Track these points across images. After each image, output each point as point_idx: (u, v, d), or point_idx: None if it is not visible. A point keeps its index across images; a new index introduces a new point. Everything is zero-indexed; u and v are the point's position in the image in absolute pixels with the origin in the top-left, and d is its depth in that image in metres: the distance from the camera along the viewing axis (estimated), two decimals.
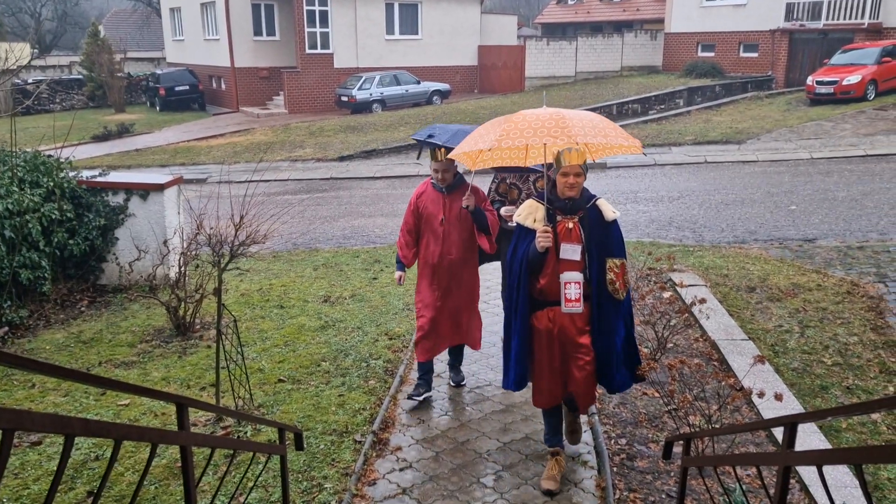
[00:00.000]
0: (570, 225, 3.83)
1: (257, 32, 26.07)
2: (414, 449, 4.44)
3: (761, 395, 3.85)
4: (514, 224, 4.24)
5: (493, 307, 6.75)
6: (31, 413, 1.10)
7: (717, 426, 4.08)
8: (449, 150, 4.59)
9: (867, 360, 5.74)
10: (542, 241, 3.70)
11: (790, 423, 1.98)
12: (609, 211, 3.90)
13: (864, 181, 11.83)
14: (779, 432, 4.42)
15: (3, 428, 1.07)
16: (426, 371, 5.00)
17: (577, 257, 3.79)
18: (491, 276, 7.14)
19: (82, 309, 7.07)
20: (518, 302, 3.93)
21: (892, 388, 5.37)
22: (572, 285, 3.76)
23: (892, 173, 12.34)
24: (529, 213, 3.92)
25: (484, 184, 5.68)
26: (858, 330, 6.24)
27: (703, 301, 5.16)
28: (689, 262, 7.89)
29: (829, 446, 4.42)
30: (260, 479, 3.84)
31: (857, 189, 11.27)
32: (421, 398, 4.94)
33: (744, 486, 4.02)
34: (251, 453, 3.58)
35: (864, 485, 1.44)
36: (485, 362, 5.75)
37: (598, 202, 3.92)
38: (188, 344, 6.01)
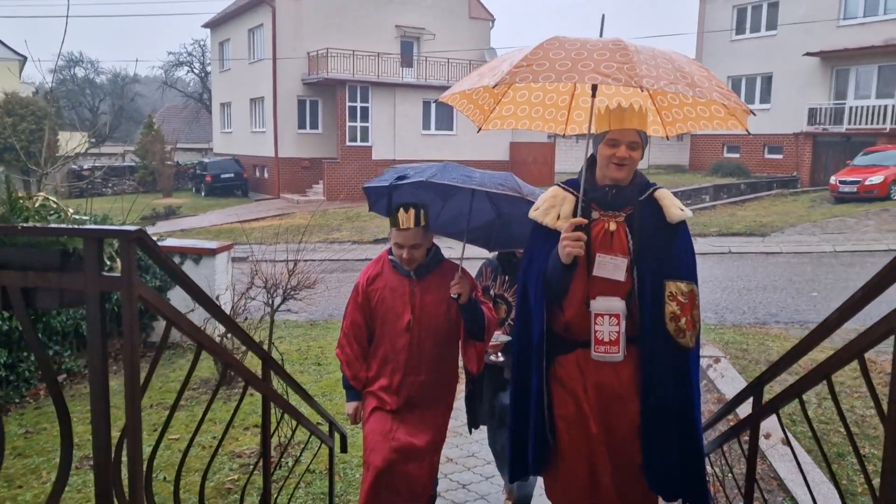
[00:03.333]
0: (613, 226, 2.59)
1: (301, 126, 27.63)
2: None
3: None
4: (498, 358, 3.38)
5: None
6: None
7: None
8: (422, 211, 3.09)
9: (871, 407, 5.96)
10: (570, 245, 2.41)
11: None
12: (674, 207, 2.61)
13: None
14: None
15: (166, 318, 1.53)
16: None
17: (621, 277, 2.54)
18: None
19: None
20: (534, 343, 2.68)
21: None
22: (606, 319, 2.51)
23: None
24: (552, 206, 2.68)
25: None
26: (855, 383, 6.45)
27: (717, 361, 5.46)
28: (710, 337, 8.18)
29: None
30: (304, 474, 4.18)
31: None
32: None
33: None
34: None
35: None
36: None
37: (658, 193, 2.65)
38: (232, 393, 6.43)
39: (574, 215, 2.55)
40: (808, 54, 24.40)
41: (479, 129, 3.14)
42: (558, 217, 2.64)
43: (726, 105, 2.58)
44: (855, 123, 23.74)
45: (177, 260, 8.07)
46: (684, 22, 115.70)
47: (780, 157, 26.67)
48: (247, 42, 29.47)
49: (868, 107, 23.45)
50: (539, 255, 2.67)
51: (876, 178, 19.29)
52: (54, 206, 1.55)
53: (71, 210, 1.57)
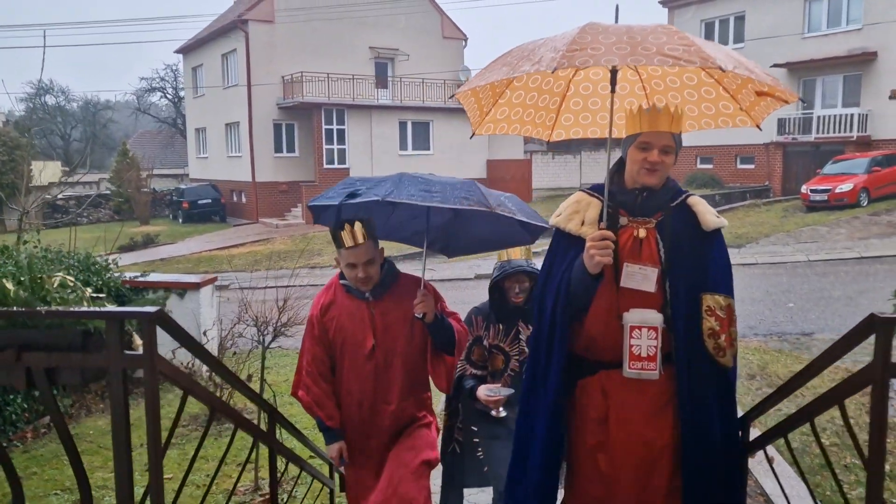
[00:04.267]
0: (643, 233, 2.40)
1: (278, 149, 27.65)
2: None
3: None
4: (500, 413, 3.08)
5: None
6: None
7: None
8: (368, 222, 2.86)
9: (863, 441, 6.10)
10: (598, 253, 2.20)
11: None
12: (710, 214, 2.45)
13: (859, 281, 12.36)
14: None
15: (183, 388, 1.60)
16: None
17: (651, 288, 2.35)
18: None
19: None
20: (550, 361, 2.42)
21: (888, 467, 5.69)
22: (644, 332, 2.30)
23: (886, 273, 12.88)
24: (575, 212, 2.48)
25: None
26: (854, 413, 6.59)
27: None
28: None
29: None
30: None
31: (852, 288, 11.78)
32: None
33: None
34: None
35: None
36: None
37: (692, 199, 2.48)
38: (223, 428, 6.43)
39: (600, 221, 2.34)
40: (775, 66, 24.93)
41: (473, 135, 2.97)
42: (582, 223, 2.43)
43: (765, 91, 2.43)
44: (823, 132, 24.28)
45: (161, 295, 8.07)
46: None
47: (752, 167, 27.16)
48: (220, 67, 29.49)
49: (835, 116, 24.01)
50: (560, 265, 2.43)
51: (845, 187, 19.73)
52: (71, 284, 1.61)
53: (89, 290, 1.63)
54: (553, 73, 2.19)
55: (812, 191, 20.37)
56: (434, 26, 29.97)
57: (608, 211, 2.35)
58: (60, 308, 1.50)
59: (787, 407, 5.93)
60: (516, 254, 3.30)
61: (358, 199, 2.76)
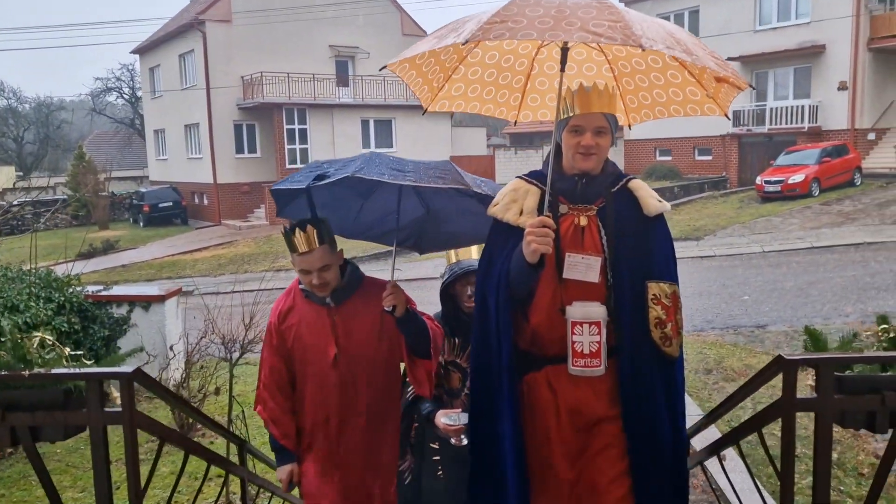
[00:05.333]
0: (584, 220, 2.31)
1: (239, 150, 27.44)
2: None
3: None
4: (462, 442, 2.73)
5: None
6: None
7: None
8: (321, 226, 2.65)
9: (812, 432, 6.40)
10: (536, 241, 2.08)
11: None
12: (651, 198, 2.35)
13: (810, 271, 12.81)
14: None
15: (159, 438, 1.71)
16: None
17: (595, 278, 2.24)
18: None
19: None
20: (501, 356, 2.30)
21: (835, 456, 5.99)
22: (586, 328, 2.20)
23: (835, 263, 13.37)
24: (513, 201, 2.36)
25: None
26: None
27: None
28: None
29: None
30: None
31: (803, 279, 12.21)
32: None
33: None
34: None
35: None
36: None
37: (633, 183, 2.39)
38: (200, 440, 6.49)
39: (540, 210, 2.24)
40: (729, 59, 25.48)
41: (425, 111, 2.74)
42: (521, 212, 2.31)
43: (720, 76, 2.30)
44: (776, 124, 24.93)
45: (125, 309, 8.04)
46: None
47: (709, 158, 27.76)
48: (178, 68, 29.11)
49: (787, 107, 24.66)
50: (499, 257, 2.32)
51: (797, 177, 20.32)
52: (50, 342, 1.70)
53: (67, 349, 1.72)
54: (464, 44, 2.06)
55: (766, 182, 20.94)
56: (394, 24, 29.97)
57: (548, 199, 2.23)
58: (42, 371, 1.58)
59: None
60: (467, 253, 3.01)
61: (327, 181, 2.52)
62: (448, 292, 3.04)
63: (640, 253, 2.29)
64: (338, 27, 28.29)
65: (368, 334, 2.77)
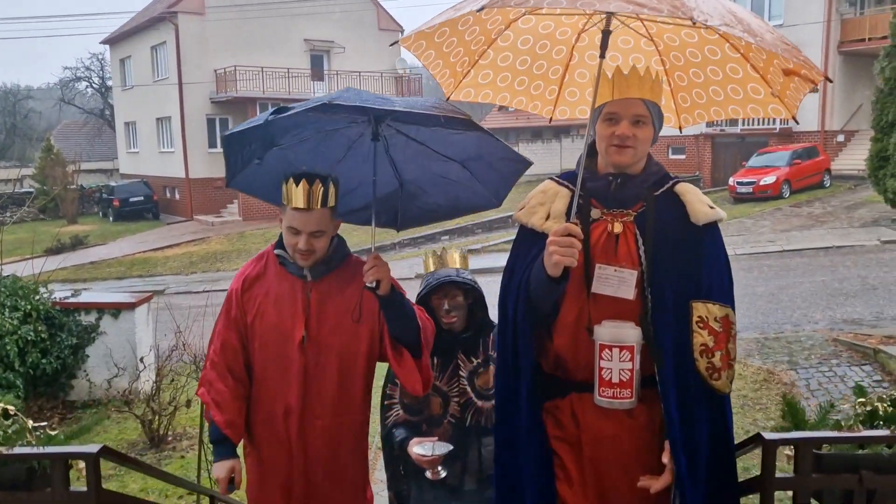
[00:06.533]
0: (618, 228, 2.02)
1: (212, 145, 27.07)
2: None
3: None
4: (439, 474, 2.54)
5: None
6: None
7: None
8: (331, 185, 2.30)
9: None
10: (558, 252, 1.81)
11: None
12: (701, 204, 2.04)
13: (781, 276, 12.99)
14: None
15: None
16: None
17: (629, 294, 1.95)
18: None
19: (54, 426, 7.37)
20: (518, 381, 2.05)
21: None
22: (616, 353, 1.90)
23: (805, 268, 13.58)
24: (541, 204, 2.09)
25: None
26: (775, 415, 7.00)
27: None
28: None
29: None
30: None
31: (774, 284, 12.38)
32: None
33: None
34: None
35: None
36: None
37: (680, 187, 2.08)
38: (162, 456, 6.38)
39: (569, 214, 1.94)
40: None
41: (448, 98, 2.33)
42: (548, 217, 2.03)
43: (789, 68, 1.97)
44: (748, 124, 25.22)
45: (94, 316, 7.87)
46: None
47: (683, 157, 28.01)
48: (150, 60, 28.64)
49: None
50: (521, 266, 2.05)
51: (769, 179, 20.59)
52: (13, 414, 1.63)
53: (30, 422, 1.65)
54: (480, 11, 1.75)
55: (738, 183, 21.20)
56: (370, 18, 29.75)
57: (578, 202, 1.94)
58: (4, 450, 1.52)
59: None
60: (448, 261, 2.71)
61: (291, 112, 2.13)
62: (425, 305, 2.70)
63: (685, 267, 1.96)
64: (313, 20, 28.00)
65: (345, 318, 2.36)
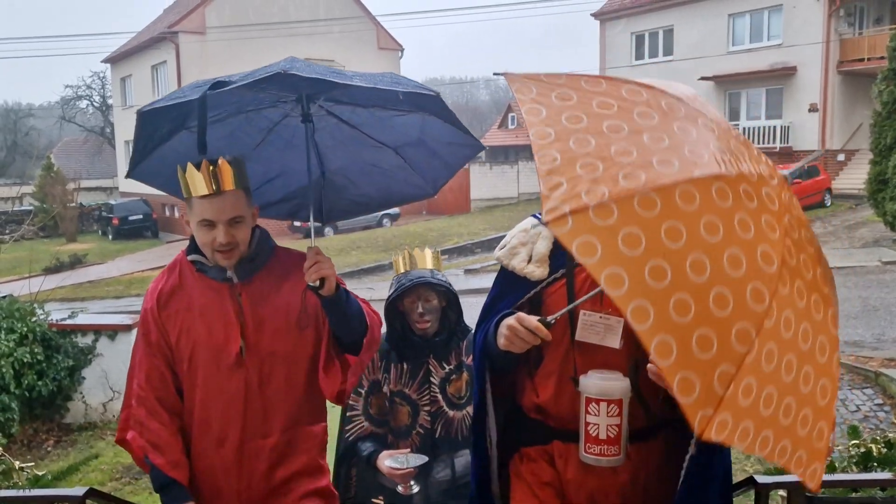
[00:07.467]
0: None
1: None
2: None
3: None
4: (411, 489, 2.40)
5: None
6: None
7: None
8: (236, 163, 1.99)
9: None
10: (509, 339, 1.75)
11: None
12: None
13: None
14: None
15: None
16: None
17: (615, 343, 1.81)
18: None
19: (48, 449, 7.29)
20: (486, 428, 1.97)
21: None
22: (604, 407, 1.75)
23: None
24: (522, 244, 1.93)
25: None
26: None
27: None
28: None
29: None
30: None
31: None
32: None
33: None
34: None
35: None
36: None
37: None
38: (145, 479, 6.29)
39: (551, 257, 1.83)
40: (702, 78, 25.84)
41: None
42: (529, 259, 1.87)
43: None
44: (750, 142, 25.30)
45: (91, 339, 7.81)
46: (585, 47, 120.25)
47: None
48: (150, 79, 28.78)
49: (759, 127, 25.04)
50: (500, 305, 1.93)
51: None
52: (2, 457, 1.57)
53: (17, 462, 1.59)
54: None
55: None
56: (369, 37, 29.93)
57: (561, 246, 1.68)
58: None
59: None
60: (421, 262, 2.54)
61: (233, 86, 1.83)
62: (396, 308, 2.54)
63: None
64: (313, 39, 28.15)
65: (284, 320, 2.06)
